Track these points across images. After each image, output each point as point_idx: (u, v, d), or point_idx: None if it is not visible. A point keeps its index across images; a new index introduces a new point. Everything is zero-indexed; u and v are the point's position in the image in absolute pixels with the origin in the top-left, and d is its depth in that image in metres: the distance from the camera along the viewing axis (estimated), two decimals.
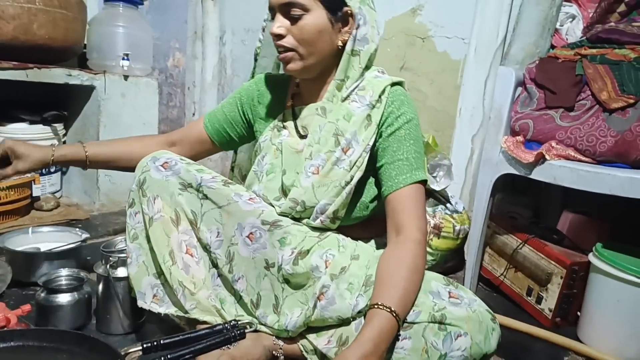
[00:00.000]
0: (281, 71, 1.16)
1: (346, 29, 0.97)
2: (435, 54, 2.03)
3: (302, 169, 1.01)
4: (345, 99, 1.00)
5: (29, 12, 1.75)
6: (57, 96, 2.12)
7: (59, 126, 2.07)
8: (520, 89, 1.46)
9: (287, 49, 0.96)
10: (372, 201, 1.04)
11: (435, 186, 1.68)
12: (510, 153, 1.37)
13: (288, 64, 0.98)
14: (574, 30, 1.57)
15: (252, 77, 1.33)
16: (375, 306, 0.81)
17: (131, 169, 1.11)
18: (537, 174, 1.32)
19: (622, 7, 1.41)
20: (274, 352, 1.01)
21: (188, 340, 0.88)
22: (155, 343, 0.85)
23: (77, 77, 1.93)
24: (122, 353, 0.81)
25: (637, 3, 1.39)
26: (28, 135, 1.96)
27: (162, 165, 1.06)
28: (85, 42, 2.09)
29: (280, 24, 0.94)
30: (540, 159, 1.30)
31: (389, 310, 0.80)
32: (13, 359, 0.83)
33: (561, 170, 1.26)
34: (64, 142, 2.14)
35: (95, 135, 2.02)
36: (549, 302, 1.36)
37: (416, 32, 2.06)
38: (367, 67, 1.01)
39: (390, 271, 0.87)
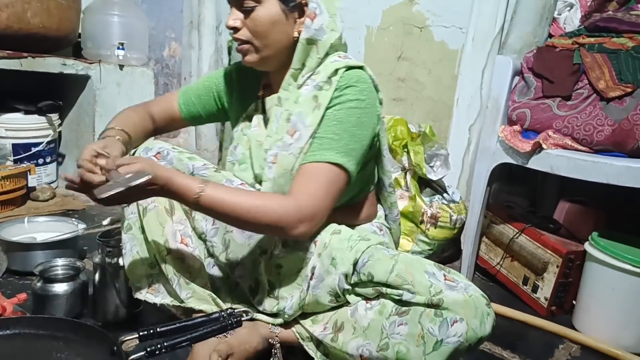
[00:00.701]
0: None
1: (302, 19, 0.94)
2: (432, 44, 2.02)
3: (265, 162, 0.99)
4: (301, 86, 0.98)
5: (22, 1, 1.73)
6: (52, 86, 2.10)
7: (54, 116, 2.06)
8: (517, 78, 1.46)
9: (243, 42, 0.95)
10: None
11: (432, 176, 1.68)
12: (507, 142, 1.37)
13: (245, 56, 0.97)
14: (571, 19, 1.57)
15: None
16: (203, 181, 0.85)
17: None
18: (534, 163, 1.32)
19: None
20: (270, 340, 1.01)
21: (184, 328, 0.88)
22: (151, 331, 0.85)
23: (72, 66, 1.91)
24: (119, 341, 0.81)
25: None
26: (23, 125, 1.95)
27: (154, 156, 1.06)
28: (80, 31, 2.07)
29: (235, 16, 0.93)
30: (537, 148, 1.30)
31: (200, 190, 0.83)
32: (9, 346, 0.82)
33: (558, 160, 1.26)
34: (59, 132, 2.13)
35: (90, 125, 2.01)
36: (545, 290, 1.37)
37: (413, 21, 2.05)
38: (327, 55, 0.97)
39: (253, 192, 0.93)
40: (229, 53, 1.19)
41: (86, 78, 1.98)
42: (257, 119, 1.07)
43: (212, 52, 2.78)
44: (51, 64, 1.86)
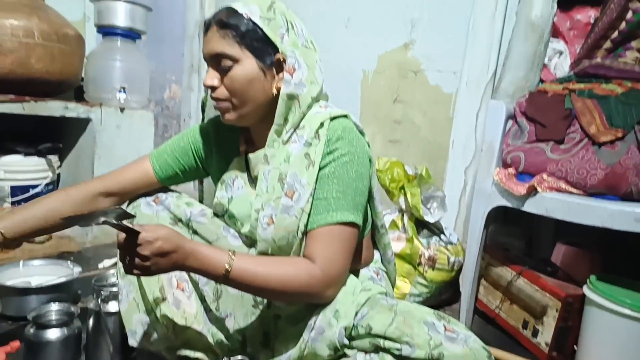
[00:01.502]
0: None
1: (280, 75, 0.94)
2: (427, 87, 2.07)
3: (257, 223, 0.98)
4: (287, 141, 0.96)
5: (27, 47, 1.78)
6: (52, 127, 2.13)
7: (54, 158, 2.08)
8: (511, 122, 1.49)
9: (221, 100, 0.94)
10: None
11: (430, 218, 1.69)
12: (502, 185, 1.38)
13: (224, 114, 0.96)
14: (562, 65, 1.62)
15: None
16: (231, 253, 0.85)
17: (62, 229, 1.06)
18: (530, 206, 1.33)
19: (608, 44, 1.45)
20: None
21: None
22: None
23: (74, 109, 1.95)
24: None
25: (622, 39, 1.43)
26: (22, 167, 1.96)
27: (153, 201, 1.07)
28: (83, 75, 2.12)
29: (212, 75, 0.93)
30: (533, 191, 1.31)
31: (229, 265, 0.83)
32: None
33: (553, 202, 1.27)
34: (59, 175, 2.14)
35: (89, 166, 2.02)
36: (545, 335, 1.35)
37: (409, 65, 2.11)
38: (309, 107, 0.96)
39: (278, 260, 0.91)
40: (203, 111, 1.18)
41: (87, 121, 2.01)
42: (242, 179, 1.04)
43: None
44: (53, 108, 1.89)
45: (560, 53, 1.62)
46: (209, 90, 0.96)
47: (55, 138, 2.11)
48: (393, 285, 1.18)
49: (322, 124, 0.93)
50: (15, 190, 1.95)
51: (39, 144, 2.03)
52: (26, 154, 1.98)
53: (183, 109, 2.95)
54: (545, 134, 1.37)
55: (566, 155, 1.31)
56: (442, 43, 2.00)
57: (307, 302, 0.94)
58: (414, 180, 1.74)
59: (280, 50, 0.93)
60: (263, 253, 0.98)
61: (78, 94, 2.19)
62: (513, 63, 1.69)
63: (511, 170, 1.40)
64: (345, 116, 0.97)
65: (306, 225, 0.92)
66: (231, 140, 1.08)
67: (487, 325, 1.59)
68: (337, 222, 0.90)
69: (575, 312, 1.32)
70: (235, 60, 0.91)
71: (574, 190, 1.27)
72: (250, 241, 1.04)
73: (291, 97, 0.94)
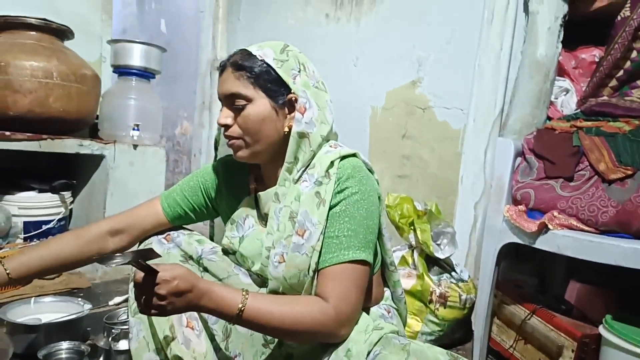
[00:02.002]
0: None
1: (292, 114, 0.96)
2: (435, 123, 2.10)
3: (269, 261, 0.99)
4: (297, 180, 0.98)
5: (46, 87, 1.84)
6: (65, 164, 2.17)
7: (67, 194, 2.11)
8: (519, 158, 1.50)
9: (234, 138, 0.97)
10: None
11: (440, 254, 1.68)
12: (513, 222, 1.38)
13: (236, 152, 0.99)
14: (568, 102, 1.64)
15: None
16: (244, 293, 0.85)
17: (71, 268, 1.10)
18: (541, 244, 1.32)
19: (613, 82, 1.47)
20: None
21: None
22: None
23: (88, 146, 1.99)
24: None
25: (627, 78, 1.45)
26: (36, 204, 1.99)
27: (164, 238, 1.08)
28: (98, 113, 2.17)
29: (226, 114, 0.96)
30: (544, 228, 1.30)
31: (242, 305, 0.83)
32: None
33: (565, 240, 1.26)
34: (71, 210, 2.17)
35: (102, 202, 2.05)
36: None
37: (416, 102, 2.14)
38: (319, 146, 0.98)
39: (292, 299, 0.90)
40: (215, 149, 1.21)
41: (101, 157, 2.05)
42: (252, 218, 1.06)
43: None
44: (68, 145, 1.93)
45: (567, 91, 1.64)
46: (222, 129, 0.99)
47: (68, 174, 2.15)
48: (404, 323, 1.17)
49: (332, 163, 0.95)
50: (28, 226, 1.97)
51: (52, 180, 2.06)
52: (40, 191, 2.01)
53: (194, 144, 3.00)
54: (555, 171, 1.38)
55: (576, 192, 1.31)
56: (449, 81, 2.04)
57: (321, 342, 0.93)
58: (423, 216, 1.74)
59: (292, 91, 0.96)
60: (274, 291, 0.98)
61: (92, 132, 2.24)
62: (519, 101, 1.72)
63: (521, 207, 1.40)
64: (354, 155, 0.99)
65: (317, 263, 0.93)
66: (241, 179, 1.10)
67: None
68: (348, 261, 0.90)
69: (591, 352, 1.29)
70: (248, 100, 0.94)
71: (586, 228, 1.26)
72: (261, 279, 1.04)
73: (302, 136, 0.96)
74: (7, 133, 1.75)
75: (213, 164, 1.15)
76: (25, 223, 1.96)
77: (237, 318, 0.84)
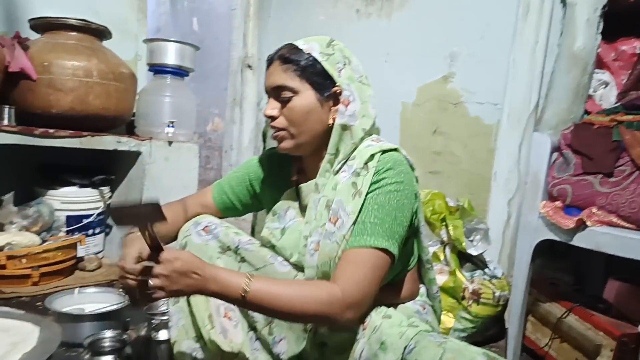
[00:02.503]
0: None
1: (336, 107, 0.98)
2: (467, 119, 2.07)
3: (305, 250, 1.01)
4: (337, 172, 1.00)
5: (86, 85, 1.90)
6: (104, 160, 2.24)
7: (106, 189, 2.18)
8: (556, 154, 1.47)
9: (279, 129, 1.00)
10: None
11: (473, 250, 1.66)
12: (549, 218, 1.36)
13: (280, 142, 1.01)
14: (607, 96, 1.60)
15: None
16: (249, 276, 0.86)
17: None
18: (579, 241, 1.30)
19: None
20: None
21: None
22: None
23: (126, 143, 2.05)
24: None
25: None
26: (77, 198, 2.07)
27: (203, 230, 1.11)
28: (135, 110, 2.23)
29: (272, 106, 0.99)
30: (581, 225, 1.28)
31: (247, 286, 0.84)
32: None
33: (604, 237, 1.24)
34: (108, 205, 2.24)
35: (139, 197, 2.10)
36: None
37: (448, 97, 2.12)
38: (361, 140, 1.00)
39: (295, 282, 0.92)
40: (264, 140, 1.24)
41: (137, 154, 2.10)
42: (294, 209, 1.08)
43: (252, 127, 2.92)
44: (107, 142, 1.99)
45: (606, 84, 1.60)
46: (269, 121, 1.02)
47: (107, 170, 2.21)
48: (439, 321, 1.17)
49: (372, 156, 0.96)
50: (70, 220, 2.04)
51: (92, 175, 2.13)
52: (81, 186, 2.09)
53: (225, 141, 3.05)
54: (593, 166, 1.35)
55: (616, 188, 1.28)
56: (482, 75, 2.02)
57: (327, 326, 0.95)
58: (455, 212, 1.73)
59: (337, 84, 0.98)
60: (308, 279, 1.00)
61: (129, 129, 2.31)
62: (556, 95, 1.69)
63: (558, 203, 1.38)
64: (396, 150, 1.00)
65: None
66: (284, 171, 1.13)
67: None
68: (369, 246, 0.90)
69: (630, 351, 1.27)
70: (295, 92, 0.97)
71: (626, 225, 1.23)
72: (298, 269, 1.06)
73: (344, 128, 0.98)
74: (51, 130, 1.82)
75: (259, 156, 1.19)
76: (67, 217, 2.04)
77: (242, 300, 0.85)
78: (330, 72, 0.98)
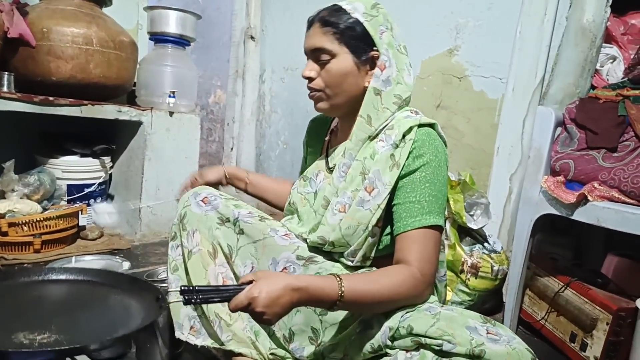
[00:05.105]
0: None
1: (373, 71, 1.00)
2: (471, 93, 2.05)
3: (329, 208, 1.03)
4: (374, 137, 1.01)
5: (86, 53, 1.88)
6: (105, 130, 2.23)
7: (107, 159, 2.18)
8: (560, 129, 1.45)
9: (316, 90, 1.02)
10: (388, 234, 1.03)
11: (473, 225, 1.66)
12: (550, 193, 1.35)
13: (317, 103, 1.04)
14: (614, 71, 1.57)
15: None
16: (337, 278, 0.85)
17: (273, 205, 1.29)
18: (579, 215, 1.29)
19: None
20: None
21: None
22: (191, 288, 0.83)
23: (127, 113, 2.03)
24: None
25: None
26: (78, 167, 2.07)
27: (202, 200, 1.11)
28: (135, 80, 2.21)
29: (310, 67, 1.02)
30: (582, 200, 1.27)
31: (341, 291, 0.83)
32: (79, 289, 1.08)
33: (605, 212, 1.23)
34: (110, 175, 2.24)
35: (140, 167, 2.11)
36: (595, 349, 1.31)
37: (452, 71, 2.09)
38: (399, 108, 1.01)
39: (380, 272, 0.91)
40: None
41: (138, 124, 2.09)
42: (322, 173, 1.11)
43: (255, 99, 2.90)
44: (108, 111, 1.98)
45: (614, 58, 1.57)
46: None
47: (107, 140, 2.21)
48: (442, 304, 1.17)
49: (410, 129, 0.97)
50: (71, 189, 2.05)
51: (93, 145, 2.13)
52: (82, 155, 2.09)
53: (227, 113, 3.03)
54: (597, 141, 1.33)
55: (619, 163, 1.27)
56: (488, 48, 1.98)
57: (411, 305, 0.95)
58: (457, 187, 1.72)
59: (376, 47, 0.99)
60: (322, 239, 1.02)
61: (130, 98, 2.29)
62: (562, 69, 1.65)
63: (560, 178, 1.37)
64: (433, 125, 1.00)
65: (378, 220, 0.97)
66: (321, 132, 1.19)
67: (531, 337, 1.55)
68: (429, 225, 0.93)
69: (627, 326, 1.27)
70: (332, 55, 0.99)
71: (628, 200, 1.22)
72: (300, 240, 1.08)
73: (376, 92, 1.00)
74: (51, 98, 1.81)
75: (312, 118, 1.25)
76: (68, 186, 2.04)
77: (339, 304, 0.84)
78: (371, 33, 0.99)
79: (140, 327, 0.91)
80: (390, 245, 1.02)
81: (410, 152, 0.96)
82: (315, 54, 1.01)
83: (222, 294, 0.82)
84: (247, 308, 0.80)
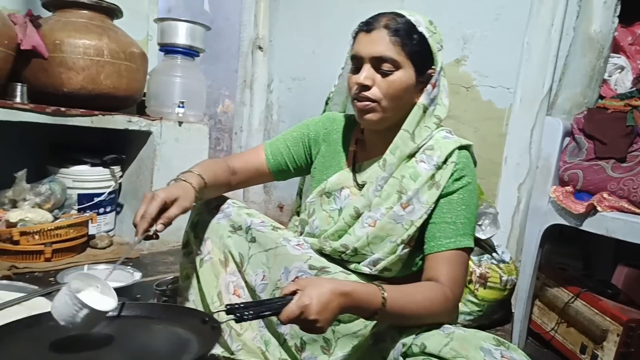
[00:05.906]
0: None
1: (426, 87, 0.97)
2: (479, 103, 2.05)
3: (360, 220, 1.01)
4: (413, 156, 0.99)
5: (97, 64, 1.91)
6: (115, 140, 2.25)
7: (117, 168, 2.20)
8: (568, 139, 1.45)
9: (370, 100, 0.95)
10: (421, 258, 1.02)
11: (481, 235, 1.66)
12: (559, 203, 1.35)
13: (367, 113, 0.97)
14: (623, 81, 1.57)
15: None
16: (380, 286, 0.83)
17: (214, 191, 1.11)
18: (589, 226, 1.29)
19: None
20: None
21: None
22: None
23: (137, 123, 2.06)
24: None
25: None
26: (89, 177, 2.09)
27: (215, 208, 1.12)
28: (145, 91, 2.24)
29: (369, 75, 0.94)
30: (592, 210, 1.27)
31: (383, 299, 0.81)
32: (116, 326, 0.93)
33: (614, 222, 1.23)
34: (120, 184, 2.26)
35: (149, 177, 2.12)
36: None
37: (460, 81, 2.10)
38: (437, 127, 1.00)
39: (414, 286, 0.90)
40: (326, 103, 1.23)
41: (148, 134, 2.11)
42: (347, 189, 1.06)
43: (262, 109, 2.92)
44: (118, 121, 2.00)
45: (622, 68, 1.57)
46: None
47: (117, 150, 2.23)
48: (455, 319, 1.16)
49: (452, 152, 0.96)
50: (81, 198, 2.07)
51: (103, 155, 2.15)
52: (92, 165, 2.11)
53: (235, 122, 3.05)
54: (606, 151, 1.34)
55: (628, 174, 1.26)
56: (496, 59, 1.99)
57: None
58: None
59: (434, 64, 0.97)
60: (343, 247, 1.01)
61: (140, 109, 2.31)
62: (570, 79, 1.66)
63: (569, 188, 1.37)
64: (469, 146, 1.00)
65: (411, 238, 0.97)
66: (343, 137, 1.12)
67: (541, 348, 1.53)
68: (463, 247, 0.93)
69: (637, 337, 1.26)
70: (397, 67, 0.93)
71: (638, 210, 1.22)
72: (315, 250, 1.07)
73: (424, 109, 0.98)
74: (63, 109, 1.84)
75: (317, 118, 1.17)
76: (79, 195, 2.06)
77: (380, 313, 0.82)
78: (433, 50, 0.96)
79: (202, 353, 0.84)
80: (410, 270, 1.02)
81: (451, 174, 0.96)
82: (376, 62, 0.94)
83: (271, 306, 0.79)
84: (299, 318, 0.77)
